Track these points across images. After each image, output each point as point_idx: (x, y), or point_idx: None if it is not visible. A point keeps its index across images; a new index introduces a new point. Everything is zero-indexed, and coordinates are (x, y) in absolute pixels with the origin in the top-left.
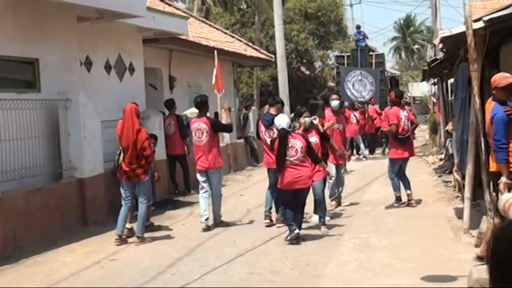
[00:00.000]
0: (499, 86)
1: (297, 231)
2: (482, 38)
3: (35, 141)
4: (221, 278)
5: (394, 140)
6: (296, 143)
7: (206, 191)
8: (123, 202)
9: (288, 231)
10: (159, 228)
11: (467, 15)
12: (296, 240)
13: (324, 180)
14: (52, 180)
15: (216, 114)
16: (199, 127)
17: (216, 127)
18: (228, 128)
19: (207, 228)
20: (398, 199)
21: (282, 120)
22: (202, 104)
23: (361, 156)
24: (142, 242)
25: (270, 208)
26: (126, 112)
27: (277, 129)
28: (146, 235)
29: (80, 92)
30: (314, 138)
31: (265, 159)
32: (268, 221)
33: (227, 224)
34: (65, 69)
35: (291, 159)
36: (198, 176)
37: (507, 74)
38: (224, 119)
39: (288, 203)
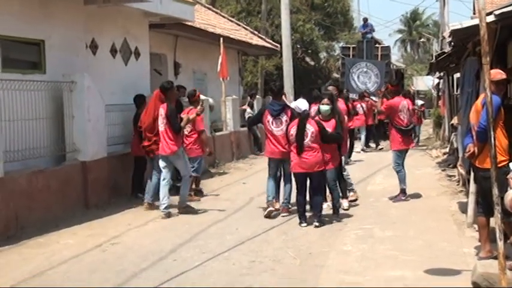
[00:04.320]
0: (494, 80)
1: (304, 224)
2: (493, 32)
3: (39, 122)
4: (223, 265)
5: (398, 131)
6: (309, 128)
7: (165, 179)
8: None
9: (298, 218)
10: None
11: (481, 8)
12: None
13: (339, 169)
14: (55, 162)
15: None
16: (160, 113)
17: (169, 116)
18: (174, 125)
19: (168, 215)
20: (403, 192)
21: (303, 104)
22: (165, 90)
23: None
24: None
25: (274, 197)
26: (153, 95)
27: (293, 114)
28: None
29: (85, 75)
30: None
31: (268, 148)
32: (273, 208)
33: (193, 210)
34: (70, 51)
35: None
36: (160, 162)
37: (501, 71)
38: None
39: (299, 187)
